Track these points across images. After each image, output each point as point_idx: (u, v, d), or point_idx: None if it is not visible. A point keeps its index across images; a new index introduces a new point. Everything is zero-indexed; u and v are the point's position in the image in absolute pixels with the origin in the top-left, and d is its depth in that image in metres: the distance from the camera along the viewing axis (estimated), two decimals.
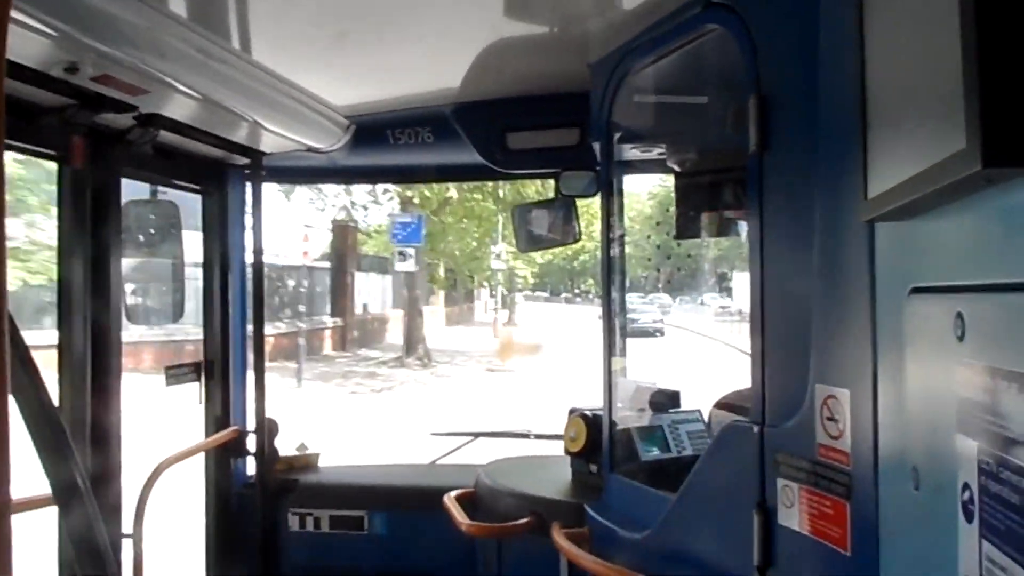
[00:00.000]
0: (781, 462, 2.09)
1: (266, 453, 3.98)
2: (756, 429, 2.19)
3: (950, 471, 1.12)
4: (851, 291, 1.75)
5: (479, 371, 27.19)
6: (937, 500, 1.19)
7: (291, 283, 28.29)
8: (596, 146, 3.25)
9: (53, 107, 2.61)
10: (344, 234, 30.69)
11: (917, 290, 1.32)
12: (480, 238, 31.89)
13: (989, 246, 1.09)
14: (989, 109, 0.88)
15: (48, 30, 2.10)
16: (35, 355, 1.19)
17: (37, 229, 13.87)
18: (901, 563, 1.49)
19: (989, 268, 1.07)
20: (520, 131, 3.74)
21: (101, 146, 2.96)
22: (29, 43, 2.14)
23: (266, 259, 4.11)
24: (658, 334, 34.33)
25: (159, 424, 6.55)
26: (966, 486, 1.08)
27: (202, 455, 3.97)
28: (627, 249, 3.51)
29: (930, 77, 1.06)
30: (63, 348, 2.95)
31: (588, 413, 3.43)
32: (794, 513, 2.04)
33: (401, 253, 26.26)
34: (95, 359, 2.98)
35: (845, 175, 1.61)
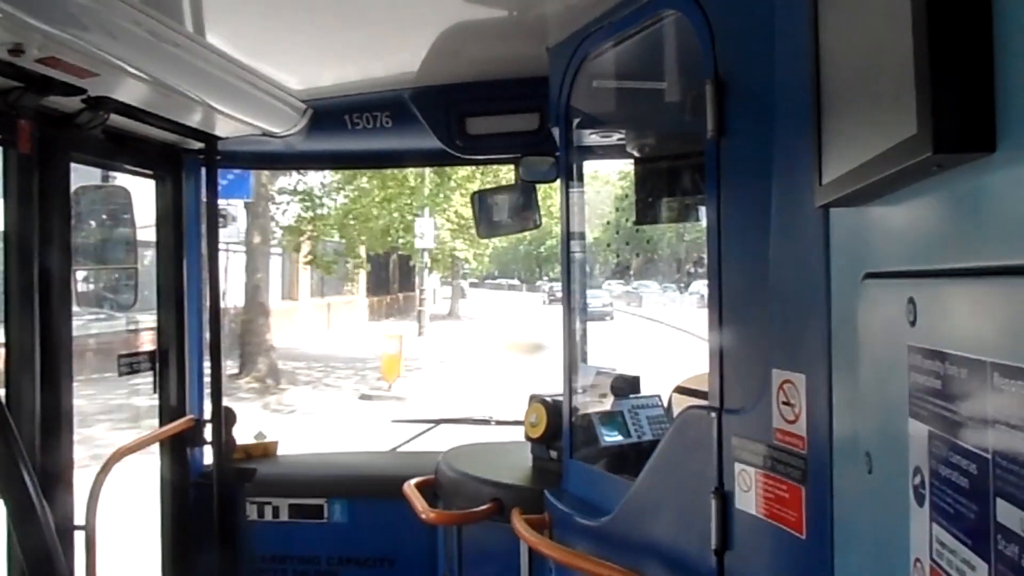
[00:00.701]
0: (738, 447, 2.11)
1: (223, 442, 3.93)
2: (714, 414, 2.20)
3: (902, 455, 1.14)
4: (806, 276, 1.76)
5: (349, 397, 19.37)
6: (889, 484, 1.20)
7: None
8: (555, 131, 3.24)
9: None
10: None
11: (871, 275, 1.33)
12: (400, 208, 26.42)
13: (940, 232, 1.10)
14: (940, 95, 0.88)
15: None
16: None
17: None
18: (855, 546, 1.50)
19: (940, 254, 1.08)
20: (479, 116, 3.71)
21: (49, 130, 2.88)
22: None
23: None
24: (607, 318, 35.23)
25: None
26: (917, 470, 1.09)
27: (156, 445, 3.91)
28: (594, 234, 3.52)
29: (882, 63, 1.06)
30: (10, 337, 2.87)
31: (548, 399, 3.44)
32: (751, 497, 2.06)
33: (223, 216, 15.36)
34: (44, 348, 2.91)
35: (800, 160, 1.62)
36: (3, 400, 1.26)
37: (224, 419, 3.93)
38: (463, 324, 38.44)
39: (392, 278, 43.71)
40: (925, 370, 1.06)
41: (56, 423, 2.95)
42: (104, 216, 3.59)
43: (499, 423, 4.54)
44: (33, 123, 2.78)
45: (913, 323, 1.10)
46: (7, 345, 2.88)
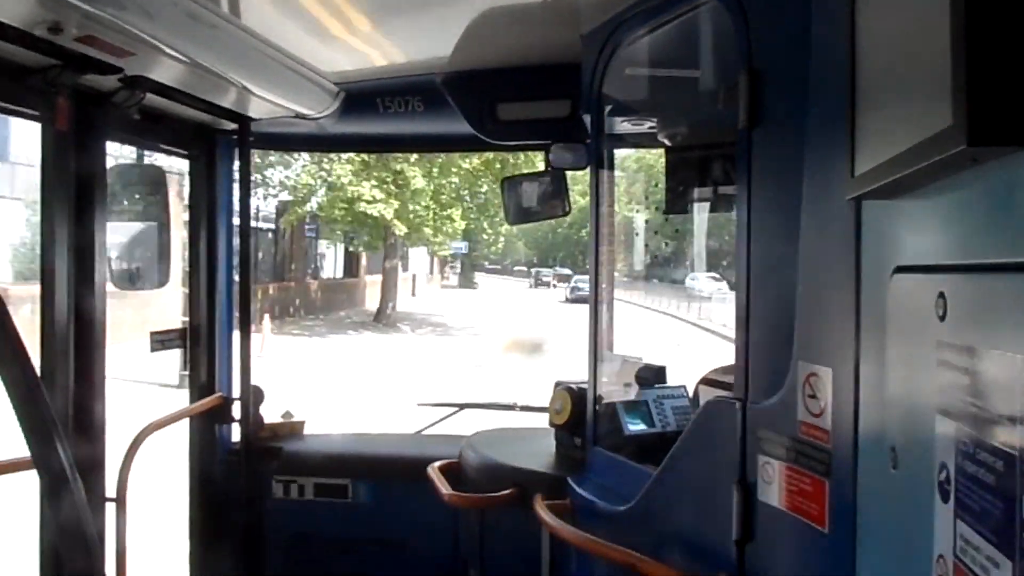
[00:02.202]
0: (762, 438, 2.10)
1: (251, 420, 3.98)
2: (738, 405, 2.19)
3: (928, 451, 1.13)
4: (836, 269, 1.75)
5: None
6: (914, 479, 1.20)
7: None
8: (587, 118, 3.23)
9: (36, 67, 2.57)
10: None
11: (901, 269, 1.31)
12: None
13: (972, 227, 1.08)
14: (976, 87, 0.87)
15: None
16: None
17: None
18: (878, 541, 1.50)
19: (972, 249, 1.07)
20: (510, 102, 3.71)
21: (86, 108, 2.92)
22: (11, 1, 2.10)
23: None
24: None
25: None
26: (943, 466, 1.09)
27: (186, 421, 3.96)
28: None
29: (918, 54, 1.05)
30: (45, 313, 2.92)
31: (574, 387, 3.44)
32: (774, 489, 2.06)
33: None
34: (79, 324, 2.96)
35: (833, 152, 1.60)
36: (38, 373, 1.28)
37: (253, 397, 3.98)
38: (380, 339, 28.30)
39: (286, 253, 32.67)
40: (954, 366, 1.05)
41: (89, 397, 3.00)
42: (138, 194, 3.63)
43: (524, 409, 4.54)
44: (70, 101, 2.82)
45: (943, 318, 1.09)
46: (42, 319, 2.93)
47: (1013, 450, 0.89)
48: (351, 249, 36.29)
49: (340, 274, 40.61)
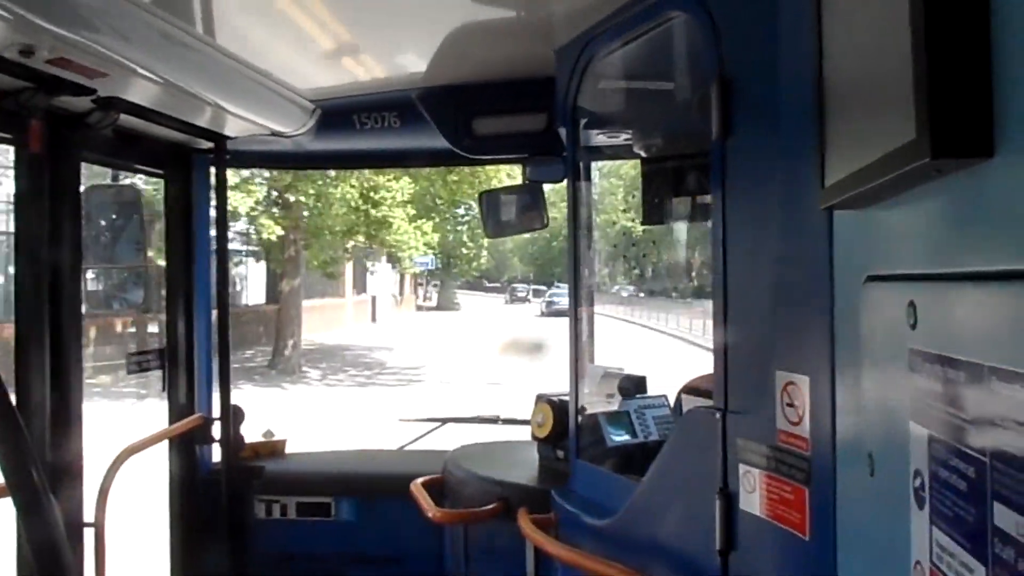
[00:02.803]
0: (742, 448, 2.11)
1: (232, 440, 3.95)
2: (718, 415, 2.21)
3: (903, 458, 1.14)
4: (810, 278, 1.76)
5: None
6: (891, 486, 1.21)
7: None
8: (562, 132, 3.25)
9: (8, 90, 2.56)
10: None
11: (872, 278, 1.33)
12: None
13: (940, 236, 1.10)
14: (938, 100, 0.88)
15: (1, 12, 2.05)
16: None
17: None
18: (857, 548, 1.51)
19: (940, 257, 1.09)
20: (486, 116, 3.72)
21: (60, 130, 2.90)
22: None
23: None
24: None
25: None
26: (918, 473, 1.10)
27: (166, 443, 3.93)
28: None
29: (883, 67, 1.07)
30: (21, 335, 2.89)
31: (555, 399, 3.44)
32: (755, 498, 2.07)
33: None
34: (54, 346, 2.94)
35: (804, 162, 1.62)
36: (12, 398, 1.26)
37: (233, 417, 3.95)
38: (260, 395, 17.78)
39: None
40: (925, 373, 1.06)
41: (66, 421, 2.97)
42: (113, 215, 3.61)
43: (506, 422, 4.54)
44: (43, 123, 2.80)
45: (914, 326, 1.11)
46: (17, 343, 2.90)
47: (983, 456, 0.90)
48: (274, 268, 27.08)
49: (264, 299, 31.26)
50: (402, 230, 24.40)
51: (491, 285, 77.98)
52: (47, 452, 2.87)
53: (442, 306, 58.48)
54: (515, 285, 69.54)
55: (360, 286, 41.52)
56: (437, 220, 27.84)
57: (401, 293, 52.15)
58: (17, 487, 1.24)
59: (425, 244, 27.20)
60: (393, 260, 35.24)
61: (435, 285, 61.36)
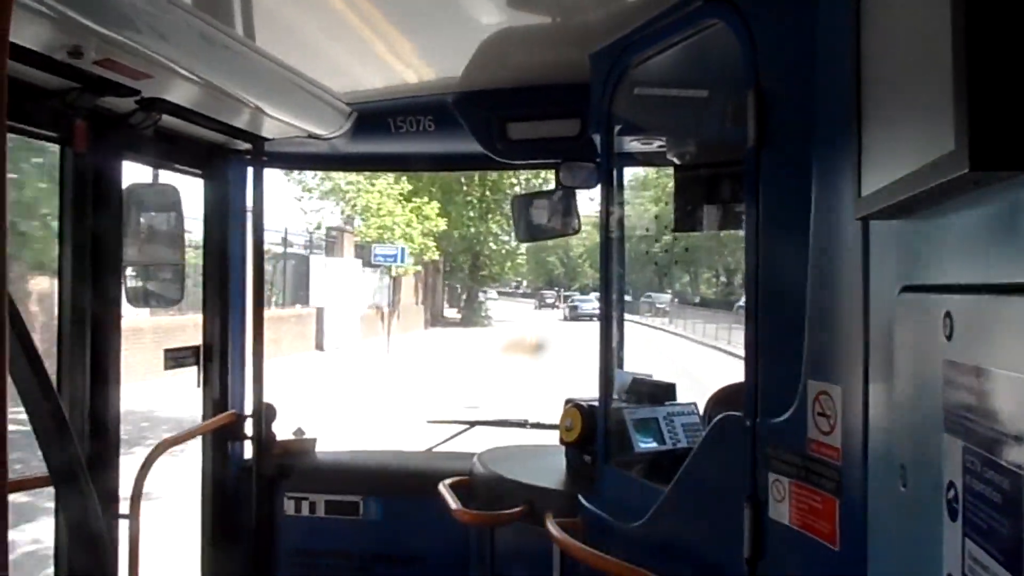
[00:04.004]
0: (772, 456, 2.11)
1: (263, 437, 4.00)
2: (749, 423, 2.20)
3: (936, 469, 1.14)
4: (845, 288, 1.76)
5: None
6: (924, 498, 1.20)
7: None
8: (596, 138, 3.25)
9: (56, 90, 2.62)
10: None
11: (908, 288, 1.33)
12: None
13: (977, 247, 1.10)
14: (978, 112, 0.88)
15: (51, 13, 2.11)
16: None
17: None
18: (888, 559, 1.50)
19: (977, 269, 1.08)
20: (521, 121, 3.74)
21: (103, 129, 2.96)
22: (33, 26, 2.15)
23: None
24: (595, 318, 36.81)
25: None
26: (951, 485, 1.09)
27: (199, 439, 3.99)
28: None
29: (922, 78, 1.07)
30: (62, 330, 2.96)
31: (584, 404, 3.45)
32: (784, 507, 2.06)
33: None
34: (95, 342, 3.00)
35: (840, 172, 1.62)
36: (57, 392, 1.30)
37: (265, 415, 4.00)
38: None
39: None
40: (960, 385, 1.06)
41: (105, 414, 3.04)
42: (153, 213, 3.67)
43: (534, 426, 4.55)
44: (88, 123, 2.87)
45: (949, 337, 1.11)
46: (59, 337, 2.97)
47: (1019, 469, 0.90)
48: None
49: None
50: (384, 211, 19.19)
51: (517, 290, 77.58)
52: (86, 444, 2.93)
53: (467, 320, 43.86)
54: (544, 292, 69.77)
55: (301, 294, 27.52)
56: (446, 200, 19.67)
57: (393, 303, 33.22)
58: (60, 480, 1.28)
59: (426, 234, 21.12)
60: (365, 255, 25.50)
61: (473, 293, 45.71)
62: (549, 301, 65.54)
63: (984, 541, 0.99)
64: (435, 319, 43.20)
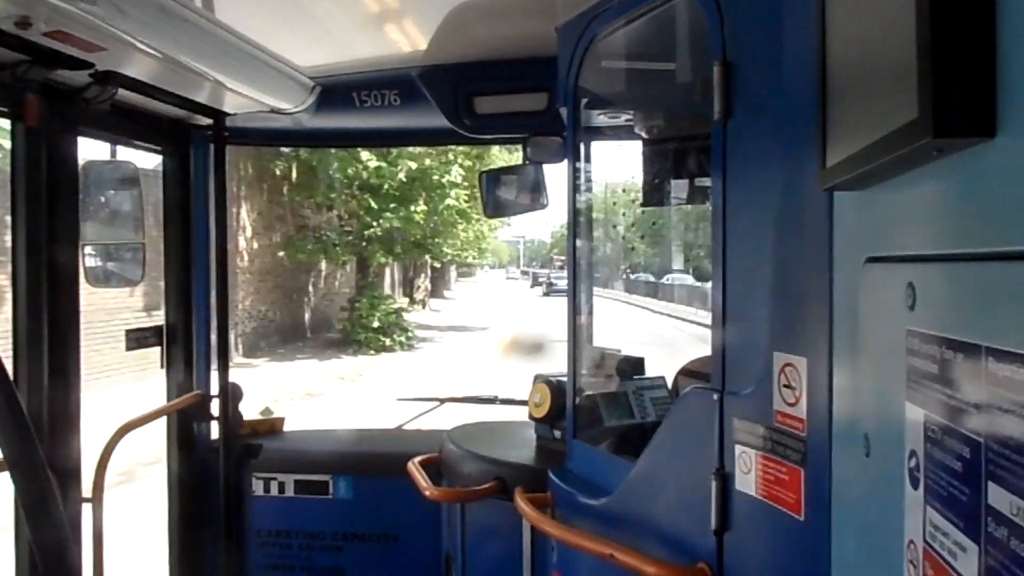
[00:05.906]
0: (739, 428, 2.12)
1: (230, 417, 3.96)
2: (715, 395, 2.21)
3: (899, 439, 1.14)
4: (810, 259, 1.76)
5: None
6: (886, 467, 1.21)
7: None
8: (563, 111, 3.23)
9: (5, 63, 2.54)
10: None
11: (872, 259, 1.33)
12: None
13: (940, 217, 1.10)
14: (941, 80, 0.88)
15: None
16: None
17: None
18: (852, 528, 1.51)
19: (940, 239, 1.08)
20: (487, 95, 3.71)
21: (57, 104, 2.89)
22: None
23: None
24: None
25: None
26: (913, 453, 1.10)
27: (164, 420, 3.94)
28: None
29: (886, 47, 1.06)
30: (17, 311, 2.89)
31: (553, 379, 3.45)
32: (751, 479, 2.07)
33: None
34: (52, 323, 2.93)
35: (805, 143, 1.62)
36: (12, 381, 1.26)
37: (231, 395, 3.96)
38: None
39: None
40: (922, 354, 1.06)
41: (65, 395, 2.98)
42: (112, 191, 3.60)
43: (504, 402, 4.56)
44: (41, 97, 2.79)
45: (912, 307, 1.11)
46: (14, 319, 2.90)
47: (978, 437, 0.90)
48: None
49: None
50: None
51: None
52: (44, 427, 2.88)
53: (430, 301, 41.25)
54: (507, 267, 71.98)
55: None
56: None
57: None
58: (15, 461, 1.25)
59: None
60: None
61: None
62: (514, 277, 67.39)
63: (944, 508, 1.00)
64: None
